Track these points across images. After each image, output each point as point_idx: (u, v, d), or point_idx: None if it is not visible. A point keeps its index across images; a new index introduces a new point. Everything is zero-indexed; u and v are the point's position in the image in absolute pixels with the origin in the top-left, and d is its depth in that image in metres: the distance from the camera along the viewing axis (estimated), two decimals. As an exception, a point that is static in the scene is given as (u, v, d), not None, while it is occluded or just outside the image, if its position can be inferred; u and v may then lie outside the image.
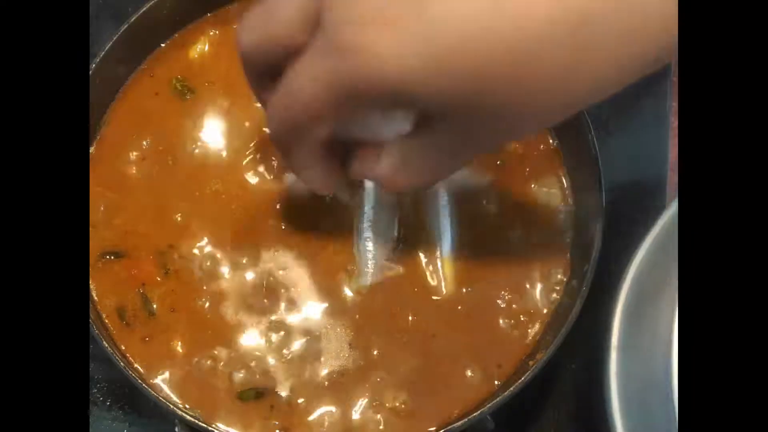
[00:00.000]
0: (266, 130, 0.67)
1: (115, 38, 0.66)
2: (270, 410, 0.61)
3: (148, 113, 0.68)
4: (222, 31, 0.71)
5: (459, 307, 0.64)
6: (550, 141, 0.70)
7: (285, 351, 0.62)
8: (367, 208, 0.65)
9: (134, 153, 0.67)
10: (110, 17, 0.76)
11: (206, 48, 0.71)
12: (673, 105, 0.80)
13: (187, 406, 0.61)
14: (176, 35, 0.71)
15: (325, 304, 0.64)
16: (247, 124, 0.68)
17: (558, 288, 0.66)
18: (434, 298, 0.64)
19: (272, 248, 0.65)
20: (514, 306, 0.65)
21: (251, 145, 0.67)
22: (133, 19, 0.66)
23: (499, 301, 0.65)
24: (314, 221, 0.65)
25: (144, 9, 0.67)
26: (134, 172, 0.67)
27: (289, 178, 0.66)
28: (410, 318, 0.64)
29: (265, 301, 0.63)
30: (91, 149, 0.67)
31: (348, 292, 0.64)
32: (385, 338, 0.63)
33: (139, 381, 0.59)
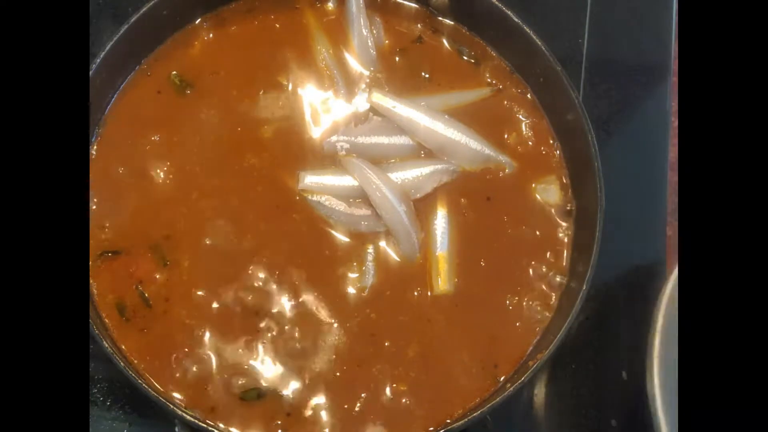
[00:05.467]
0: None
1: (115, 38, 0.66)
2: (271, 410, 0.61)
3: (148, 112, 0.68)
4: (220, 30, 0.71)
5: (459, 308, 0.64)
6: (551, 141, 0.70)
7: (286, 350, 0.62)
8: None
9: (134, 152, 0.67)
10: (110, 17, 0.76)
11: (205, 47, 0.71)
12: (673, 105, 0.80)
13: (188, 406, 0.61)
14: (176, 35, 0.71)
15: (328, 303, 0.64)
16: (246, 119, 0.68)
17: (557, 288, 0.66)
18: (434, 298, 0.64)
19: (277, 245, 0.65)
20: (513, 306, 0.65)
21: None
22: (133, 19, 0.66)
23: (498, 302, 0.65)
24: (319, 222, 0.66)
25: (144, 9, 0.67)
26: (134, 170, 0.67)
27: (303, 178, 0.66)
28: (411, 319, 0.64)
29: (268, 298, 0.64)
30: (92, 149, 0.67)
31: (351, 291, 0.64)
32: (385, 338, 0.63)
33: (139, 381, 0.59)
